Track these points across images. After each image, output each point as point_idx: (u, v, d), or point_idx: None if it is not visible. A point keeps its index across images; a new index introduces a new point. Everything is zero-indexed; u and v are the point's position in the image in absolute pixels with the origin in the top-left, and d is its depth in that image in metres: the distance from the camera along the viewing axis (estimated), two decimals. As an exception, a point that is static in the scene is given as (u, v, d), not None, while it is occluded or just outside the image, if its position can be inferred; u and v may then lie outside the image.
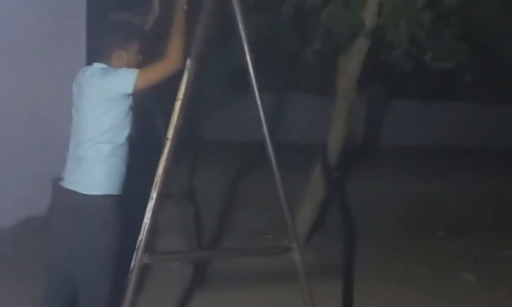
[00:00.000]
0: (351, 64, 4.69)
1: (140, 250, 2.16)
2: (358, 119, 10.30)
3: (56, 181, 2.93)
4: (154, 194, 2.19)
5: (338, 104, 5.02)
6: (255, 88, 2.33)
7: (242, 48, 2.29)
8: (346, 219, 5.92)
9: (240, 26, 2.28)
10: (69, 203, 2.81)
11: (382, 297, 4.52)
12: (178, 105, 2.23)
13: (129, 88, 2.73)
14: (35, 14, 5.11)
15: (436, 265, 5.38)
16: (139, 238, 2.17)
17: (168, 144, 2.21)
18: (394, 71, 5.00)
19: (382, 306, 4.40)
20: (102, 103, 2.77)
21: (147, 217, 2.18)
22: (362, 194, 6.86)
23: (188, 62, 2.25)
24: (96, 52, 2.97)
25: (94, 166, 2.79)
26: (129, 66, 2.85)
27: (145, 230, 2.17)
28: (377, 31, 4.41)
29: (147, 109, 4.02)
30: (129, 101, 2.82)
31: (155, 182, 2.19)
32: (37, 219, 5.10)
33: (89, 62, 3.04)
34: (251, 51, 2.29)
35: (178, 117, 2.23)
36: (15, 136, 5.12)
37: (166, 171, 2.20)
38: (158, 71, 2.71)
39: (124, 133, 2.82)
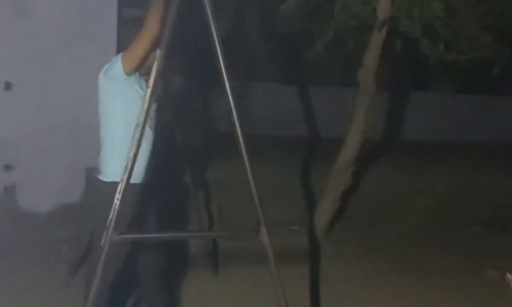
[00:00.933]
0: (368, 57, 4.69)
1: (110, 229, 2.31)
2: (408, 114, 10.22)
3: (90, 171, 3.16)
4: (124, 177, 2.33)
5: (359, 97, 5.03)
6: (225, 76, 2.42)
7: (212, 38, 2.39)
8: (369, 212, 5.89)
9: (210, 16, 2.37)
10: (94, 190, 3.01)
11: (396, 290, 4.50)
12: (148, 92, 2.37)
13: (120, 71, 2.88)
14: (68, 11, 5.41)
15: (461, 260, 5.28)
16: (110, 217, 2.32)
17: (138, 129, 2.34)
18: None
19: (396, 300, 4.38)
20: (109, 92, 2.95)
21: (117, 198, 2.32)
22: (396, 188, 6.79)
23: (158, 52, 2.38)
24: (120, 48, 3.15)
25: (109, 154, 2.97)
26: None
27: (115, 210, 2.32)
28: (390, 23, 4.39)
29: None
30: (132, 86, 2.95)
31: (125, 165, 2.34)
32: (71, 206, 5.41)
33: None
34: (220, 43, 2.39)
35: (149, 104, 2.36)
36: (51, 128, 5.43)
37: (136, 154, 2.34)
38: (139, 43, 2.80)
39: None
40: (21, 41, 5.36)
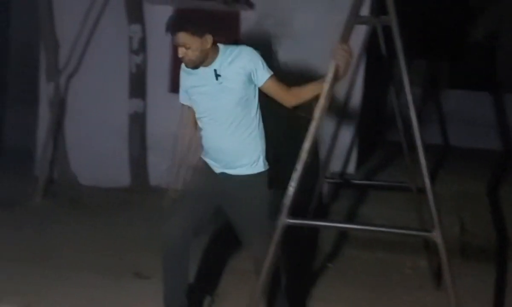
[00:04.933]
0: None
1: (283, 213, 2.49)
2: None
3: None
4: (298, 166, 2.49)
5: None
6: (407, 87, 2.42)
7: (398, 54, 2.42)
8: None
9: (395, 31, 2.40)
10: None
11: None
12: (325, 87, 2.49)
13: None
14: (321, 23, 5.79)
15: None
16: (284, 203, 2.50)
17: (314, 124, 2.48)
18: None
19: None
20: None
21: (292, 186, 2.49)
22: None
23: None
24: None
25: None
26: None
27: (289, 196, 2.49)
28: None
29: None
30: None
31: (300, 156, 2.49)
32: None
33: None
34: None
35: (325, 99, 2.48)
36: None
37: (311, 147, 2.48)
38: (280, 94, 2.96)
39: None
40: (280, 51, 5.96)
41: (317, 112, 2.49)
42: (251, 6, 6.06)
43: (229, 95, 2.89)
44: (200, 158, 3.11)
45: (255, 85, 2.94)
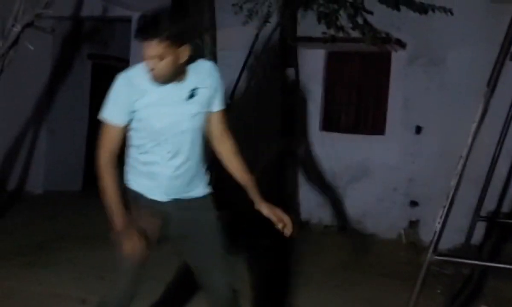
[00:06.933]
0: None
1: (430, 250, 2.54)
2: None
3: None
4: (446, 203, 2.54)
5: None
6: None
7: None
8: None
9: None
10: None
11: None
12: (473, 127, 2.52)
13: None
14: (475, 60, 5.67)
15: None
16: (432, 239, 2.55)
17: (461, 162, 2.52)
18: None
19: None
20: None
21: (438, 222, 2.54)
22: None
23: (486, 89, 2.52)
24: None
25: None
26: None
27: (437, 233, 2.54)
28: None
29: None
30: None
31: (448, 193, 2.54)
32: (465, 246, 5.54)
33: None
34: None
35: (473, 139, 2.52)
36: (453, 170, 5.74)
37: (458, 185, 2.52)
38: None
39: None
40: (432, 90, 5.94)
41: (465, 150, 2.54)
42: (402, 45, 6.13)
43: (198, 116, 2.45)
44: (136, 201, 2.47)
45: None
